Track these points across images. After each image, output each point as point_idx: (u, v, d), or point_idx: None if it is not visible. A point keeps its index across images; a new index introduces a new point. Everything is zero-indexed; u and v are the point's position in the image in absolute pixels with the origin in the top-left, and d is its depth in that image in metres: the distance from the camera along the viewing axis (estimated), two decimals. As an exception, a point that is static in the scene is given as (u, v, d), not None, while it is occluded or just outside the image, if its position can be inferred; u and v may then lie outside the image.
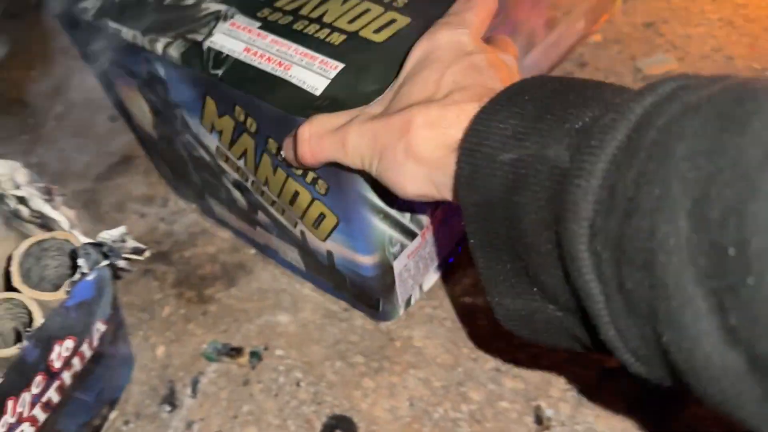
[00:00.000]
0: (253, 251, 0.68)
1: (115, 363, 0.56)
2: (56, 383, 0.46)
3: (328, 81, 0.46)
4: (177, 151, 0.63)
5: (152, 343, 0.62)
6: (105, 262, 0.43)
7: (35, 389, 0.44)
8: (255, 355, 0.60)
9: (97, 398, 0.53)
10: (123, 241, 0.44)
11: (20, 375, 0.42)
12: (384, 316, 0.61)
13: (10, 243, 0.48)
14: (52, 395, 0.46)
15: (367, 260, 0.54)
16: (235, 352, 0.60)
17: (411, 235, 0.56)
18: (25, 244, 0.45)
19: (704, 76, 0.29)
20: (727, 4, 0.86)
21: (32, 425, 0.45)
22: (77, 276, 0.43)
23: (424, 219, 0.57)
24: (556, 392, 0.55)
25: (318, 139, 0.42)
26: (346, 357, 0.60)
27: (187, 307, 0.65)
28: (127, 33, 0.55)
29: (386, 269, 0.56)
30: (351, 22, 0.50)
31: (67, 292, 0.43)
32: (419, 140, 0.37)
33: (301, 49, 0.49)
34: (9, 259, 0.45)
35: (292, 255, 0.62)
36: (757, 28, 0.82)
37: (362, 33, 0.49)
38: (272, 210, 0.58)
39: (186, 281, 0.67)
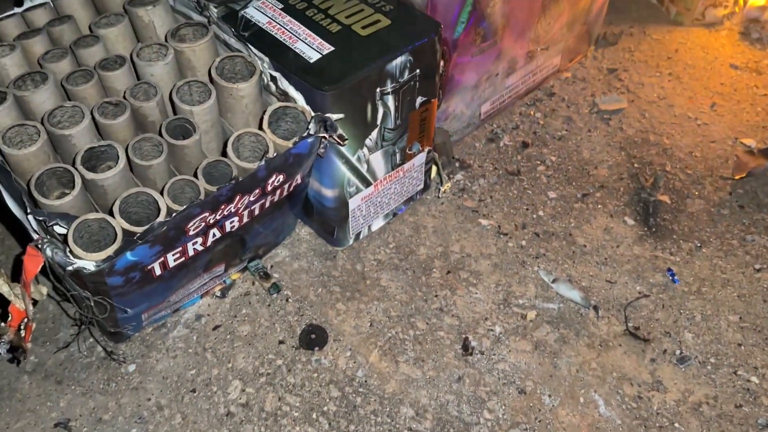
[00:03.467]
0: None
1: (285, 218, 0.74)
2: (262, 201, 0.63)
3: (320, 56, 0.65)
4: None
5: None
6: (324, 133, 0.61)
7: (252, 197, 0.61)
8: (264, 275, 0.76)
9: (264, 235, 0.72)
10: (336, 126, 0.62)
11: (251, 181, 0.60)
12: (337, 243, 0.79)
13: (260, 105, 0.66)
14: (256, 208, 0.64)
15: (329, 193, 0.72)
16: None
17: (366, 182, 0.74)
18: (276, 104, 0.63)
19: None
20: (679, 62, 1.04)
21: (238, 221, 0.63)
22: (305, 133, 0.61)
23: (380, 173, 0.75)
24: (482, 330, 0.72)
25: None
26: (327, 286, 0.76)
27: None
28: None
29: (343, 203, 0.74)
30: (348, 17, 0.69)
31: (294, 143, 0.61)
32: None
33: (307, 30, 0.68)
34: (264, 112, 0.63)
35: None
36: (699, 85, 1.00)
37: (353, 27, 0.68)
38: None
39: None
